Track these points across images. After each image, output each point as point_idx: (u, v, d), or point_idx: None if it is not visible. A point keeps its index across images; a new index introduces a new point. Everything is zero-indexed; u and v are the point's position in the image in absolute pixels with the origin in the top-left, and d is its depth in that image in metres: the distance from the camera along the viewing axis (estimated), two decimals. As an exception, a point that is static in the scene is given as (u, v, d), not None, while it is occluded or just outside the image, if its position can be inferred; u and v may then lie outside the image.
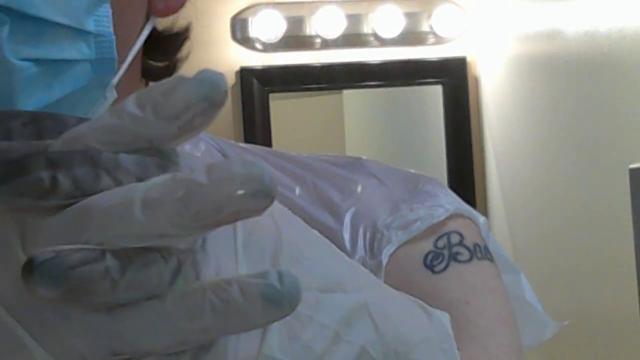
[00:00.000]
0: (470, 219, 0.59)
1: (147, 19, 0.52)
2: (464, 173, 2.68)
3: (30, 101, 0.44)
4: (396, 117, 2.95)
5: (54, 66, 0.45)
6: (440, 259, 0.56)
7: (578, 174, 2.12)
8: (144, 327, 0.29)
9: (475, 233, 0.59)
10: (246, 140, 2.42)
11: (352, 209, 0.57)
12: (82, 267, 0.27)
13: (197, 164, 0.31)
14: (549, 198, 2.29)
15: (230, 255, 0.32)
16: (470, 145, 2.68)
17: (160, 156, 0.30)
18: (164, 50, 0.57)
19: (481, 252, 0.58)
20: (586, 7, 2.06)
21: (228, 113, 2.58)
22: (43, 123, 0.31)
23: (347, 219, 0.57)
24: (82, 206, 0.29)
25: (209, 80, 0.30)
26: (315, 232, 0.37)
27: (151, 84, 0.59)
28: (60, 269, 0.27)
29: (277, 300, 0.28)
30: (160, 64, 0.58)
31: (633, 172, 1.64)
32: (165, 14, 0.54)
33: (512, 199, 2.53)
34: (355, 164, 0.61)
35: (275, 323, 0.30)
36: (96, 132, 0.30)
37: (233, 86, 2.59)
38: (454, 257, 0.56)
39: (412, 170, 0.62)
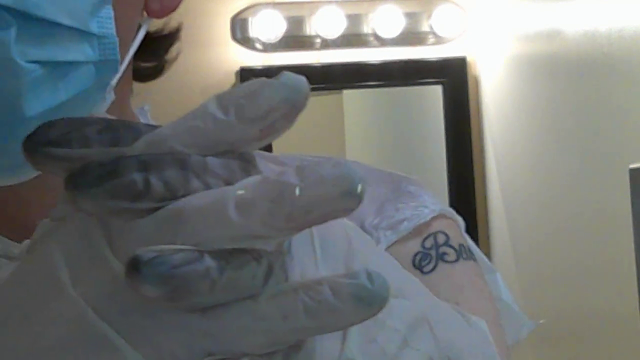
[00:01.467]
0: (452, 219, 0.60)
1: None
2: (464, 173, 2.68)
3: (36, 104, 0.44)
4: (396, 117, 2.95)
5: (59, 68, 0.45)
6: (428, 259, 0.57)
7: (578, 174, 2.12)
8: (239, 327, 0.29)
9: (459, 233, 0.60)
10: (246, 140, 2.41)
11: None
12: (185, 266, 0.27)
13: (272, 168, 0.32)
14: (549, 198, 2.29)
15: (310, 259, 0.32)
16: (470, 145, 2.68)
17: (241, 159, 0.31)
18: (153, 51, 0.57)
19: (466, 252, 0.59)
20: (586, 7, 2.06)
21: (228, 113, 2.58)
22: (118, 130, 0.30)
23: None
24: (176, 208, 0.29)
25: (292, 83, 0.30)
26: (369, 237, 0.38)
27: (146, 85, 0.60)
28: (166, 268, 0.27)
29: (368, 299, 0.29)
30: (148, 65, 0.58)
31: (633, 172, 1.64)
32: (161, 15, 0.54)
33: (512, 199, 2.53)
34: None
35: (355, 325, 0.31)
36: (180, 135, 0.30)
37: (233, 86, 2.59)
38: (441, 258, 0.57)
39: (399, 173, 0.62)
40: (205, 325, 0.29)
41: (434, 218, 0.59)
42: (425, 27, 2.66)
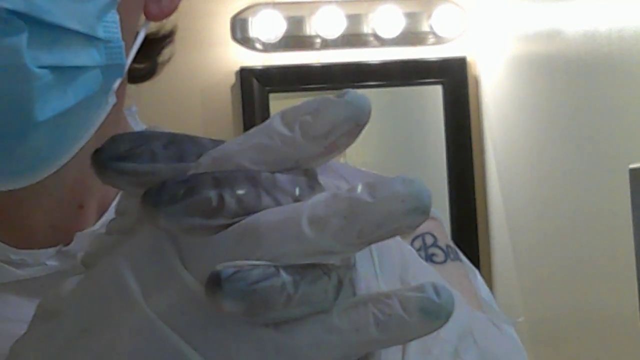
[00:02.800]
0: (437, 220, 0.61)
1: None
2: (464, 173, 2.68)
3: (46, 109, 0.44)
4: (396, 117, 2.95)
5: (68, 73, 0.45)
6: None
7: (578, 174, 2.12)
8: (313, 341, 0.29)
9: (444, 235, 0.61)
10: (246, 140, 2.41)
11: None
12: (264, 281, 0.28)
13: (331, 182, 0.32)
14: (549, 198, 2.29)
15: (371, 273, 0.33)
16: (470, 145, 2.68)
17: (306, 175, 0.31)
18: (147, 53, 0.58)
19: (453, 253, 0.59)
20: (586, 7, 2.06)
21: (228, 113, 2.58)
22: (183, 145, 0.31)
23: None
24: (251, 224, 0.29)
25: (356, 101, 0.31)
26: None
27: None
28: (246, 284, 0.28)
29: (435, 312, 0.29)
30: (139, 66, 0.58)
31: (633, 172, 1.64)
32: (160, 18, 0.55)
33: (512, 199, 2.53)
34: (324, 167, 0.61)
35: None
36: (247, 152, 0.30)
37: (233, 86, 2.59)
38: (430, 259, 0.58)
39: (377, 173, 0.63)
40: (279, 339, 0.29)
41: None
42: (425, 27, 2.67)
